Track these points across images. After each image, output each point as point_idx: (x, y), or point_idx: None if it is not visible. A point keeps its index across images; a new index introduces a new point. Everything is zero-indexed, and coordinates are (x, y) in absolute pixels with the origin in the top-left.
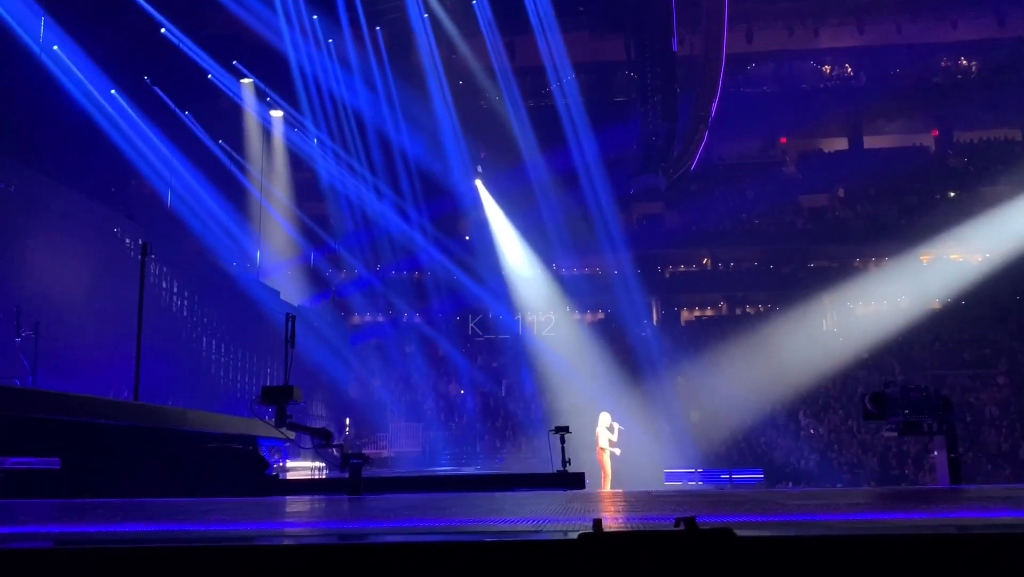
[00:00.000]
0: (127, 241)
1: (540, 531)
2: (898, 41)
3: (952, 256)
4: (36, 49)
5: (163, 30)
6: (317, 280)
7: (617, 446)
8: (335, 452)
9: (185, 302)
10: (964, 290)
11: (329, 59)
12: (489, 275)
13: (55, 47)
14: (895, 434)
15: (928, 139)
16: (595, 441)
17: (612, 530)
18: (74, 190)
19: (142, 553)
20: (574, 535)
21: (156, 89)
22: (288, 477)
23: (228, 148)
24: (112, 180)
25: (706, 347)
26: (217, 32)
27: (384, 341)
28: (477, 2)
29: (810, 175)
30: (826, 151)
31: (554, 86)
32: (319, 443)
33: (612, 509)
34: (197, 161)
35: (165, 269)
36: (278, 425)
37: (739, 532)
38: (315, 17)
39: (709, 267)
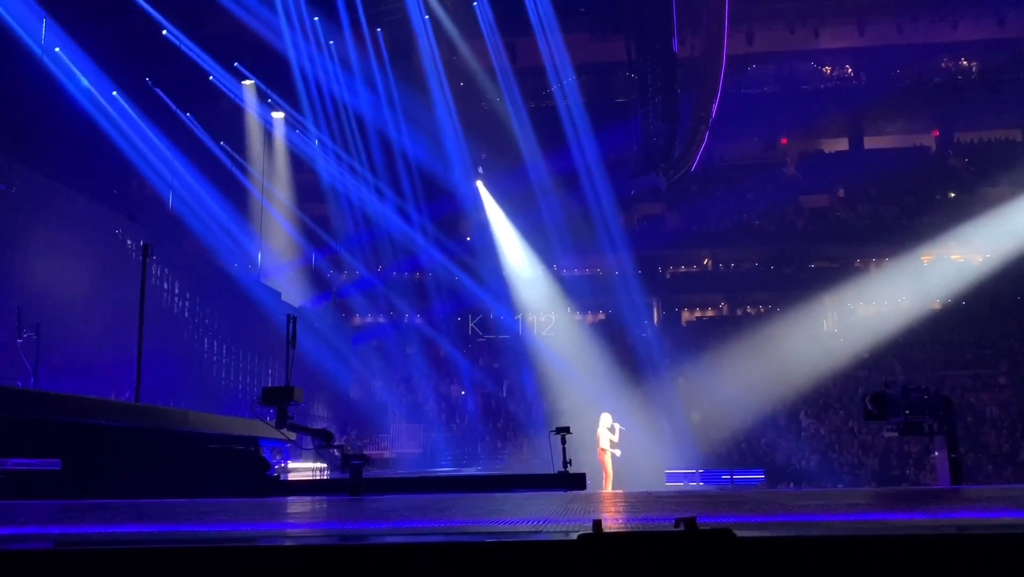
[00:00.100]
0: (128, 242)
1: (540, 532)
2: (898, 41)
3: (953, 256)
4: (38, 50)
5: (164, 32)
6: (318, 281)
7: (618, 447)
8: (336, 453)
9: (186, 303)
10: (965, 290)
11: (330, 60)
12: (490, 276)
13: (56, 49)
14: (896, 434)
15: (928, 139)
16: (596, 442)
17: (612, 531)
18: (75, 191)
19: (142, 554)
20: (574, 536)
21: (157, 90)
22: (289, 478)
23: (229, 149)
24: (113, 181)
25: (707, 348)
26: (218, 33)
27: (385, 342)
28: (478, 3)
29: (811, 175)
30: (827, 151)
31: (555, 87)
32: (320, 444)
33: (612, 510)
34: (198, 162)
35: (166, 270)
36: (279, 426)
37: (739, 533)
38: (316, 19)
39: (710, 268)
